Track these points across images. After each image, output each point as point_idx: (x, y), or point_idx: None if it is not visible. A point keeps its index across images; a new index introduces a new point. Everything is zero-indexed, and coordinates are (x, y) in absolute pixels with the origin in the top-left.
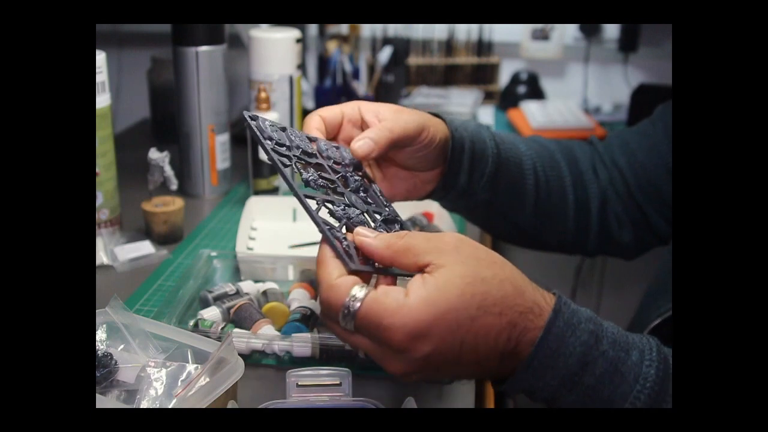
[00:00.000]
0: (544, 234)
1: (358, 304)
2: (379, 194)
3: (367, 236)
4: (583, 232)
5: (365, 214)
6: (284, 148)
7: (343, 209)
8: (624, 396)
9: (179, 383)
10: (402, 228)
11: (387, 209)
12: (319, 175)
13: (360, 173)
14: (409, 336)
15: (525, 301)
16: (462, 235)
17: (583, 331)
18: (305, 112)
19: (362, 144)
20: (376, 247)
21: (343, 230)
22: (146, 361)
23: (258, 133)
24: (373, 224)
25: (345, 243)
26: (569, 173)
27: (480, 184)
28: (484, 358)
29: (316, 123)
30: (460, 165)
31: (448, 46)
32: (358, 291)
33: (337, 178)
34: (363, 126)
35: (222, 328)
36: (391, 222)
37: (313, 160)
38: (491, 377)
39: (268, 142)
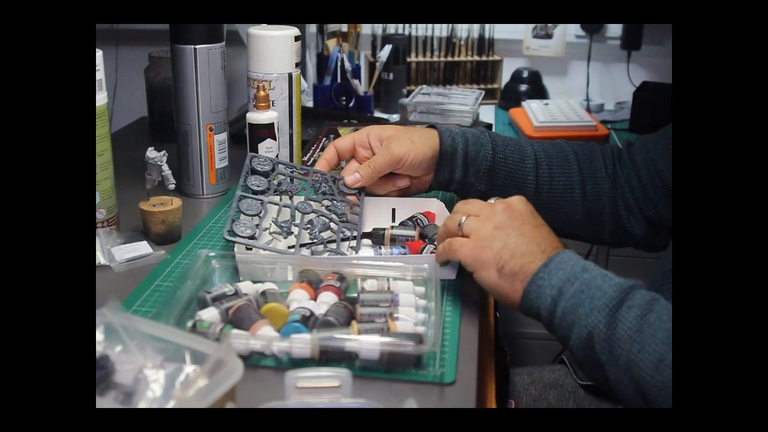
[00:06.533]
0: (552, 221)
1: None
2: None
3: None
4: (596, 223)
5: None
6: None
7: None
8: (610, 284)
9: (177, 385)
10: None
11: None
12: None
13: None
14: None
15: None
16: None
17: (581, 258)
18: (304, 111)
19: (351, 178)
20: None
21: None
22: (144, 363)
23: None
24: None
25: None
26: (578, 170)
27: (476, 178)
28: (537, 236)
29: (329, 155)
30: (453, 165)
31: (449, 44)
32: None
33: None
34: (372, 148)
35: (220, 329)
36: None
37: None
38: (531, 257)
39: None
